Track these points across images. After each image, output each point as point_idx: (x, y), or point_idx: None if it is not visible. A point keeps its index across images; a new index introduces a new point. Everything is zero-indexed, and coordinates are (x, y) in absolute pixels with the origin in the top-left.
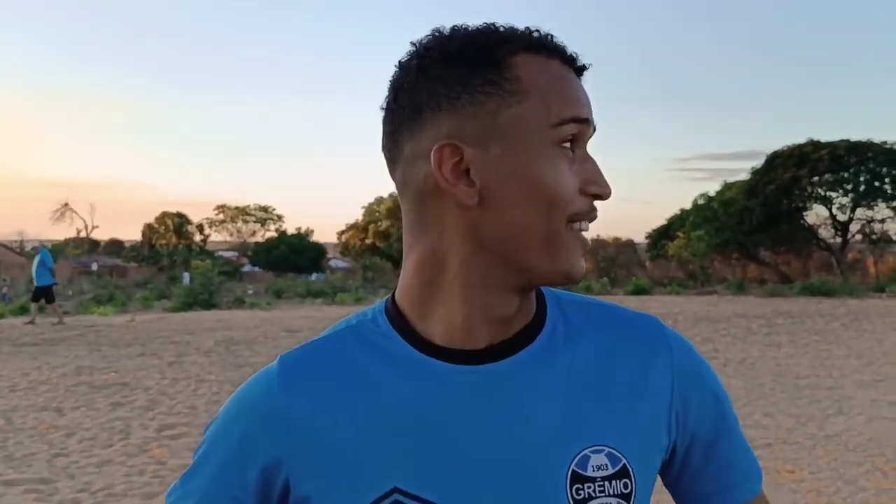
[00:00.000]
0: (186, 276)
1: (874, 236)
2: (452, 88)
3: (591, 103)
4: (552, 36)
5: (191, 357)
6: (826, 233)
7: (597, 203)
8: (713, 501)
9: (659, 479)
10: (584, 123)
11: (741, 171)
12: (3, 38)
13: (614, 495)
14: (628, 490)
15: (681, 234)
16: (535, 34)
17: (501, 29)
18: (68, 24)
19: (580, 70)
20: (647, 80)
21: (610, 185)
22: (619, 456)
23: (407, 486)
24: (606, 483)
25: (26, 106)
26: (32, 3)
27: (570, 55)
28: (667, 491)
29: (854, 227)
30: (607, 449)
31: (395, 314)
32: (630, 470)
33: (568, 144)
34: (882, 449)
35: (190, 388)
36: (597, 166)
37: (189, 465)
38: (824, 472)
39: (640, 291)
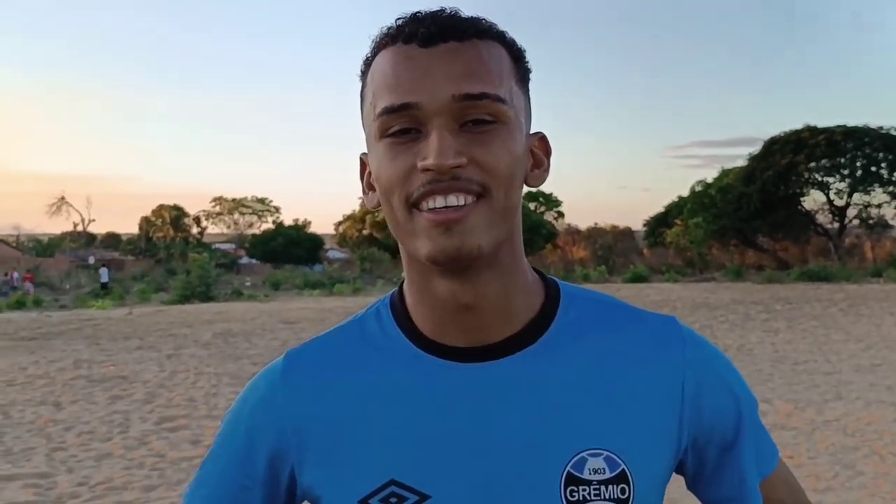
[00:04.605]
0: (104, 273)
1: (871, 221)
2: (360, 104)
3: (463, 66)
4: (408, 17)
5: (189, 349)
6: (823, 218)
7: (471, 174)
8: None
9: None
10: (401, 111)
11: (736, 157)
12: None
13: (610, 499)
14: (625, 496)
15: (678, 222)
16: (392, 29)
17: (388, 26)
18: (64, 21)
19: (429, 40)
20: (640, 67)
21: (444, 153)
22: (618, 460)
23: (403, 478)
24: (602, 487)
25: (22, 101)
26: (27, 1)
27: (413, 33)
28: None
29: (851, 213)
30: (606, 453)
31: (398, 306)
32: (629, 475)
33: (394, 134)
34: (880, 433)
35: (188, 380)
36: (434, 141)
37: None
38: (823, 457)
39: (637, 279)
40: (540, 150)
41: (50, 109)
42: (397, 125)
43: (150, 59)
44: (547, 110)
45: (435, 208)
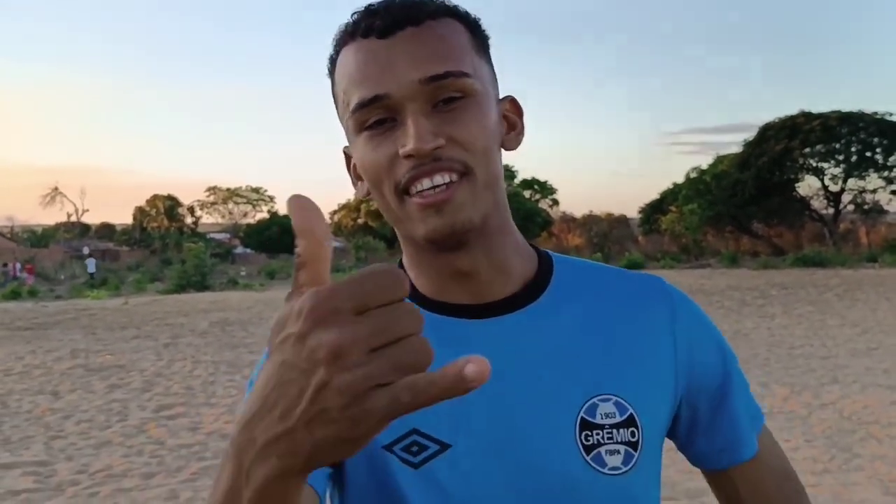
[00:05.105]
0: (91, 263)
1: (866, 206)
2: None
3: (424, 51)
4: (363, 11)
5: (186, 338)
6: (818, 204)
7: (451, 153)
8: (723, 458)
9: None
10: (372, 103)
11: (731, 143)
12: None
13: (622, 442)
14: (635, 439)
15: (673, 209)
16: (347, 26)
17: (345, 23)
18: (55, 14)
19: (386, 31)
20: (634, 54)
21: (422, 138)
22: (626, 405)
23: (424, 427)
24: (614, 430)
25: (14, 93)
26: None
27: (369, 26)
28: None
29: (846, 198)
30: (615, 398)
31: None
32: (637, 419)
33: (371, 126)
34: (876, 416)
35: (186, 369)
36: (410, 127)
37: None
38: (819, 440)
39: (633, 266)
40: (512, 113)
41: (43, 101)
42: (373, 117)
43: (142, 50)
44: (541, 98)
45: (423, 191)
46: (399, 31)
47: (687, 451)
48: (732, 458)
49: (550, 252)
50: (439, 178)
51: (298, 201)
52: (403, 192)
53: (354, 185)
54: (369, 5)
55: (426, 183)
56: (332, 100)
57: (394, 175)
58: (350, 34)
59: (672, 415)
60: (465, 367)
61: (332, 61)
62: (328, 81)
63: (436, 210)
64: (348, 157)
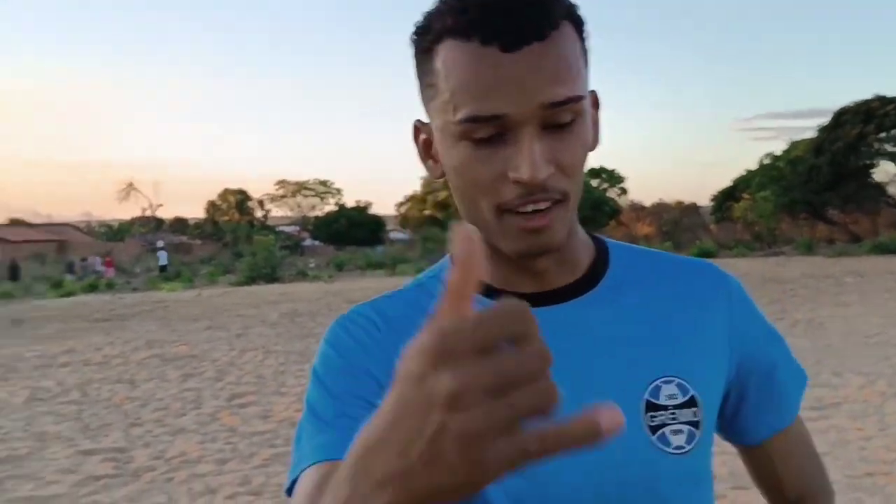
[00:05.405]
0: (163, 256)
1: None
2: (415, 71)
3: (551, 72)
4: (479, 8)
5: (257, 329)
6: (894, 190)
7: (555, 183)
8: (773, 422)
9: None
10: (488, 121)
11: (804, 129)
12: (70, 27)
13: (685, 422)
14: (697, 419)
15: (746, 196)
16: (459, 14)
17: (436, 9)
18: (132, 12)
19: (513, 43)
20: (706, 40)
21: (537, 168)
22: (688, 386)
23: None
24: (678, 411)
25: (91, 91)
26: None
27: (492, 32)
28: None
29: None
30: (677, 380)
31: None
32: (697, 400)
33: (479, 137)
34: None
35: (257, 358)
36: (524, 149)
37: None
38: (893, 429)
39: (704, 254)
40: (593, 108)
41: (118, 99)
42: (483, 133)
43: (214, 45)
44: (610, 86)
45: (525, 213)
46: (525, 45)
47: (730, 427)
48: (775, 426)
49: (604, 238)
50: (543, 204)
51: (464, 232)
52: (504, 210)
53: (424, 162)
54: (476, 5)
55: (529, 207)
56: (415, 75)
57: (497, 194)
58: (463, 31)
59: (723, 397)
60: (600, 417)
61: (427, 40)
62: (395, 74)
63: (534, 232)
64: (418, 131)
